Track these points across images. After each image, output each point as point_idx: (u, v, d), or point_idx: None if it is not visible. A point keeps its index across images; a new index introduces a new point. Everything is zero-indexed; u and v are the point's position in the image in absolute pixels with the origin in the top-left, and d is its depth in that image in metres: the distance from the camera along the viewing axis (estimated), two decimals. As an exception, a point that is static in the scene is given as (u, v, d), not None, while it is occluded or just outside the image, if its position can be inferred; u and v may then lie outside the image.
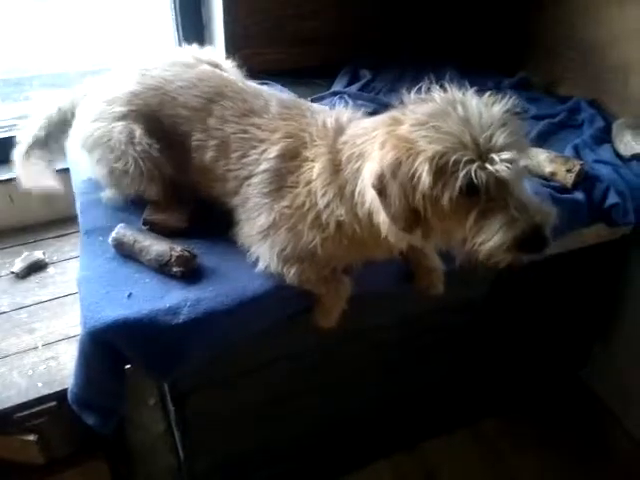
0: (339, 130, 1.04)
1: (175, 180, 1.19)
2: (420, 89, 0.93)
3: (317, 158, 1.04)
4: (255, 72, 1.41)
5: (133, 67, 1.23)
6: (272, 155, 1.07)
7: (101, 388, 1.08)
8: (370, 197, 0.94)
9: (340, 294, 1.10)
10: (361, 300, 1.14)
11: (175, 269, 1.07)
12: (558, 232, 0.92)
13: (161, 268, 1.08)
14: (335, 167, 1.00)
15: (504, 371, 1.83)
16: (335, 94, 1.72)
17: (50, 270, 1.67)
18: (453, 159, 0.82)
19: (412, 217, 0.89)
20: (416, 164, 0.84)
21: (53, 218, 1.83)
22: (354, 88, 1.77)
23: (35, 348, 1.43)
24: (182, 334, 1.02)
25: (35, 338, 1.45)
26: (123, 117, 1.15)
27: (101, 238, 1.16)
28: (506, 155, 0.82)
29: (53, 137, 1.33)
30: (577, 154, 1.52)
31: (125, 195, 1.22)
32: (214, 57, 1.33)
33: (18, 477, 1.39)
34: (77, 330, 1.41)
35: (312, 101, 1.57)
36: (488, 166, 0.82)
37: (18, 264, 1.64)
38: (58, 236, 1.80)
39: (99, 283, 1.07)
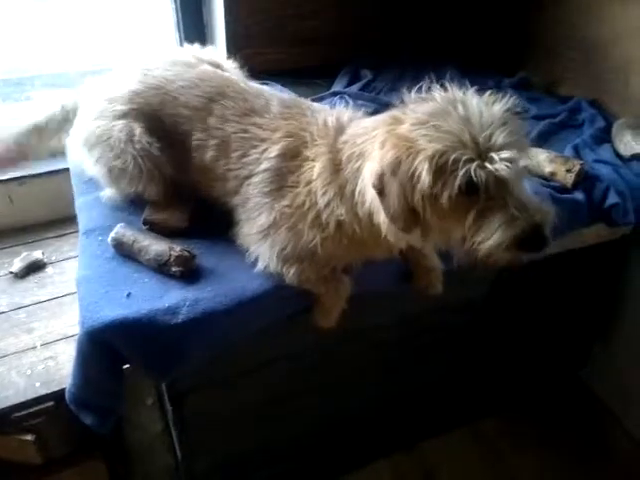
0: (340, 129, 1.04)
1: (175, 180, 1.19)
2: (420, 88, 0.93)
3: (318, 157, 1.03)
4: (256, 72, 1.41)
5: (135, 66, 1.23)
6: (273, 154, 1.07)
7: (99, 388, 1.08)
8: (370, 197, 0.94)
9: (340, 294, 1.10)
10: (361, 300, 1.14)
11: (174, 269, 1.07)
12: (558, 232, 0.92)
13: (160, 268, 1.08)
14: (335, 166, 1.00)
15: (504, 371, 1.83)
16: (335, 94, 1.72)
17: (49, 270, 1.67)
18: (453, 158, 0.82)
19: (411, 217, 0.89)
20: (416, 163, 0.84)
21: (52, 218, 1.83)
22: (354, 88, 1.76)
23: (33, 348, 1.42)
24: (181, 334, 1.02)
25: (33, 338, 1.45)
26: (124, 115, 1.15)
27: (100, 238, 1.16)
28: (506, 154, 0.82)
29: (52, 131, 1.33)
30: (577, 154, 1.52)
31: (124, 194, 1.22)
32: (215, 57, 1.33)
33: (16, 477, 1.39)
34: (76, 330, 1.40)
35: (312, 101, 1.57)
36: (488, 165, 0.82)
37: (17, 264, 1.64)
38: (57, 236, 1.79)
39: (98, 283, 1.06)
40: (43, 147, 1.35)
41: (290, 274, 1.06)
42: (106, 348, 1.01)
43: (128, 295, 1.04)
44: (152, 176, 1.15)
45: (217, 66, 1.29)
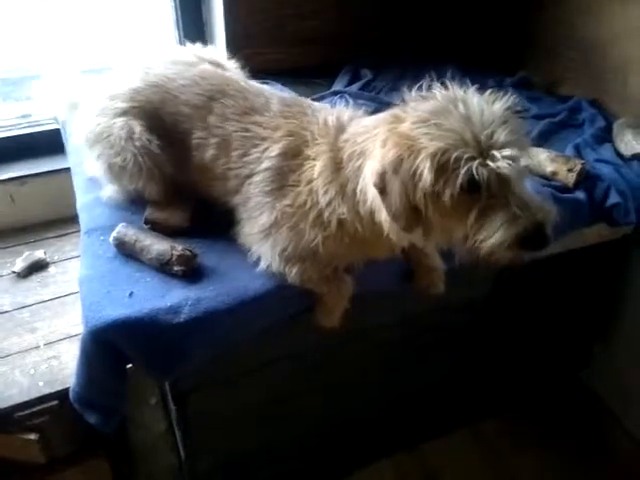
0: (340, 128, 1.04)
1: (175, 179, 1.19)
2: (421, 87, 0.93)
3: (318, 156, 1.04)
4: (255, 72, 1.41)
5: (136, 64, 1.24)
6: (274, 153, 1.07)
7: (103, 387, 1.08)
8: (371, 195, 0.94)
9: (342, 293, 1.10)
10: (363, 299, 1.14)
11: (176, 268, 1.07)
12: (559, 232, 0.92)
13: (162, 267, 1.08)
14: (336, 165, 1.00)
15: (504, 371, 1.83)
16: (336, 93, 1.72)
17: (51, 269, 1.68)
18: (454, 156, 0.82)
19: (413, 215, 0.89)
20: (417, 161, 0.84)
21: (54, 218, 1.83)
22: (355, 87, 1.77)
23: (37, 347, 1.43)
24: (183, 333, 1.02)
25: (37, 337, 1.46)
26: (124, 113, 1.15)
27: (102, 237, 1.16)
28: (507, 152, 0.82)
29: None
30: (578, 153, 1.52)
31: (124, 192, 1.22)
32: (216, 56, 1.33)
33: (19, 476, 1.40)
34: (78, 329, 1.41)
35: (313, 100, 1.57)
36: (489, 163, 0.82)
37: (19, 264, 1.65)
38: (59, 236, 1.80)
39: (100, 282, 1.07)
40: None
41: (292, 274, 1.06)
42: (109, 347, 1.01)
43: (130, 294, 1.04)
44: (152, 174, 1.15)
45: (218, 66, 1.29)
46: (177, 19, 1.85)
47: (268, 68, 1.79)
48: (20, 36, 1.84)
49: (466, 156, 0.82)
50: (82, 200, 1.30)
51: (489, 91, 0.90)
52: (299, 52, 1.91)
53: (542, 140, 1.56)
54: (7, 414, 1.28)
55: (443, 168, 0.83)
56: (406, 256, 1.17)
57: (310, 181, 1.03)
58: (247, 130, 1.11)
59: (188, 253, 1.08)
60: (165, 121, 1.16)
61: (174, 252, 1.07)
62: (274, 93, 1.20)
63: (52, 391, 1.31)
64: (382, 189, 0.89)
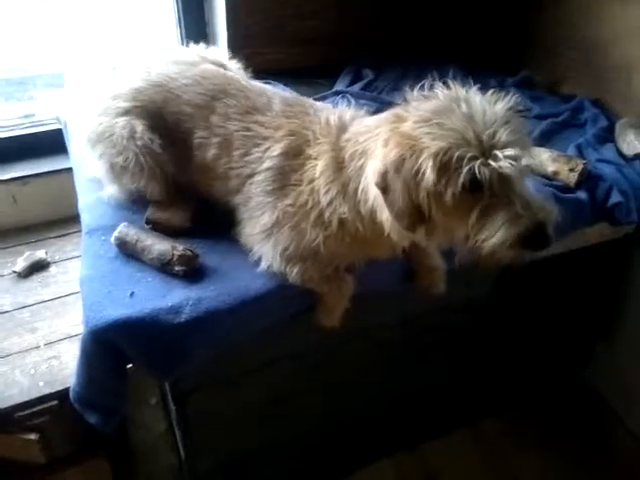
0: (342, 128, 1.04)
1: (177, 179, 1.19)
2: (423, 87, 0.93)
3: (320, 156, 1.03)
4: (256, 72, 1.41)
5: (138, 64, 1.23)
6: (275, 153, 1.07)
7: (103, 387, 1.08)
8: (373, 195, 0.94)
9: (343, 293, 1.10)
10: (364, 299, 1.14)
11: (177, 268, 1.07)
12: (561, 231, 0.92)
13: (163, 267, 1.08)
14: (338, 165, 1.00)
15: (506, 371, 1.82)
16: (337, 93, 1.72)
17: (52, 269, 1.68)
18: (457, 155, 0.82)
19: (415, 215, 0.89)
20: (420, 160, 0.84)
21: (55, 218, 1.83)
22: (356, 87, 1.76)
23: (37, 347, 1.43)
24: (184, 333, 1.02)
25: (37, 337, 1.46)
26: (126, 113, 1.15)
27: (103, 237, 1.16)
28: (509, 152, 0.82)
29: None
30: (580, 153, 1.52)
31: (126, 191, 1.22)
32: (219, 57, 1.33)
33: (19, 476, 1.40)
34: (79, 329, 1.41)
35: (315, 100, 1.57)
36: (491, 163, 0.82)
37: (20, 263, 1.65)
38: (60, 236, 1.80)
39: (101, 282, 1.06)
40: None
41: (293, 273, 1.06)
42: (110, 347, 1.01)
43: (131, 294, 1.04)
44: (153, 173, 1.15)
45: (221, 66, 1.29)
46: (179, 20, 1.85)
47: (268, 68, 1.79)
48: (22, 37, 1.84)
49: (468, 155, 0.82)
50: (84, 200, 1.30)
51: (491, 91, 0.90)
52: (299, 52, 1.91)
53: (544, 140, 1.56)
54: (7, 414, 1.28)
55: (445, 167, 0.83)
56: (407, 256, 1.17)
57: (311, 180, 1.03)
58: (249, 129, 1.11)
59: (189, 253, 1.08)
60: (167, 120, 1.16)
61: (175, 252, 1.07)
62: (276, 93, 1.20)
63: (52, 391, 1.31)
64: (384, 188, 0.89)
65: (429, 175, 0.84)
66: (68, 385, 1.15)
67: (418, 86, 0.94)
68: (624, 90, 1.69)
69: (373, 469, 1.77)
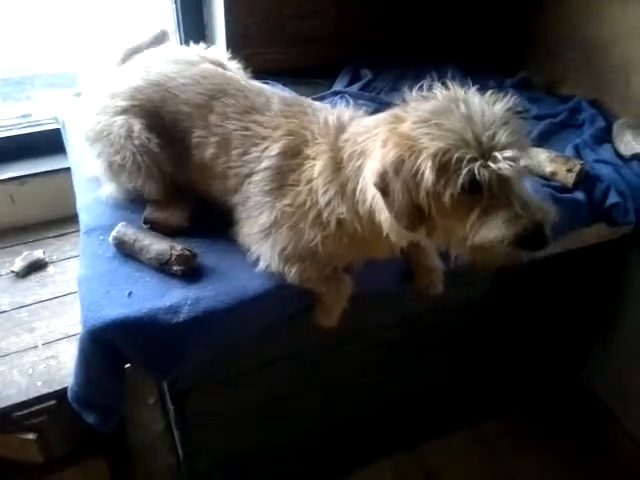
0: (341, 128, 1.04)
1: (175, 178, 1.19)
2: (422, 87, 0.93)
3: (318, 156, 1.03)
4: (255, 72, 1.41)
5: (137, 63, 1.23)
6: (273, 153, 1.07)
7: (101, 387, 1.08)
8: (371, 195, 0.94)
9: (341, 293, 1.10)
10: (362, 299, 1.14)
11: (175, 268, 1.07)
12: (558, 232, 0.93)
13: (161, 267, 1.08)
14: (336, 165, 1.00)
15: (504, 371, 1.83)
16: (336, 93, 1.72)
17: (50, 269, 1.67)
18: (456, 156, 0.82)
19: (415, 215, 0.89)
20: (419, 161, 0.84)
21: (53, 217, 1.83)
22: (355, 87, 1.76)
23: (35, 347, 1.43)
24: (182, 333, 1.01)
25: (35, 337, 1.45)
26: (124, 111, 1.15)
27: (101, 237, 1.16)
28: (509, 153, 0.82)
29: None
30: (578, 154, 1.52)
31: (124, 190, 1.21)
32: (219, 57, 1.33)
33: (17, 476, 1.39)
34: (77, 329, 1.41)
35: (313, 100, 1.57)
36: (491, 164, 0.82)
37: (18, 263, 1.64)
38: (58, 235, 1.80)
39: (99, 282, 1.06)
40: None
41: (291, 273, 1.06)
42: (107, 347, 1.01)
43: (129, 294, 1.04)
44: (151, 173, 1.15)
45: (220, 66, 1.29)
46: (178, 20, 1.85)
47: (268, 68, 1.79)
48: (20, 36, 1.84)
49: (468, 157, 0.82)
50: (82, 200, 1.29)
51: (490, 92, 0.90)
52: (299, 52, 1.91)
53: (542, 140, 1.56)
54: (5, 414, 1.28)
55: (444, 168, 0.83)
56: (405, 256, 1.17)
57: (310, 180, 1.03)
58: (247, 129, 1.11)
59: (187, 253, 1.07)
60: (165, 120, 1.16)
61: (173, 252, 1.07)
62: (275, 92, 1.20)
63: (50, 391, 1.31)
64: (383, 189, 0.89)
65: (428, 175, 0.84)
66: (66, 385, 1.15)
67: (417, 87, 0.94)
68: (622, 91, 1.70)
69: (371, 469, 1.77)
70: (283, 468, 1.59)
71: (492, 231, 0.84)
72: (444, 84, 0.91)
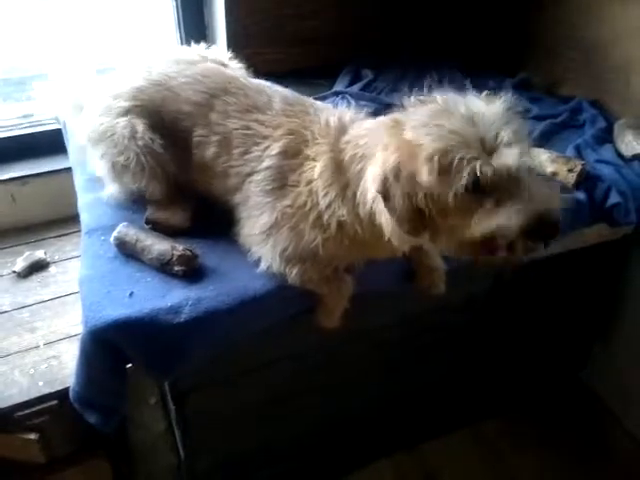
0: (342, 129, 1.04)
1: (178, 178, 1.19)
2: (422, 89, 0.93)
3: (318, 157, 1.03)
4: (255, 72, 1.41)
5: (139, 63, 1.24)
6: (274, 152, 1.07)
7: (102, 387, 1.08)
8: (371, 198, 0.94)
9: (342, 293, 1.10)
10: (363, 299, 1.14)
11: (177, 268, 1.07)
12: (560, 231, 0.91)
13: (163, 267, 1.08)
14: (337, 167, 1.00)
15: (504, 371, 1.83)
16: (337, 94, 1.72)
17: (51, 269, 1.68)
18: (458, 157, 0.82)
19: (417, 219, 0.88)
20: (419, 164, 0.84)
21: (54, 218, 1.83)
22: (356, 88, 1.76)
23: (36, 347, 1.43)
24: (183, 333, 1.02)
25: (36, 337, 1.46)
26: (127, 112, 1.15)
27: (103, 237, 1.16)
28: (511, 151, 0.82)
29: None
30: (579, 154, 1.52)
31: (127, 191, 1.22)
32: (220, 56, 1.33)
33: (19, 476, 1.40)
34: (78, 329, 1.41)
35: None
36: (493, 163, 0.82)
37: (20, 263, 1.65)
38: (59, 235, 1.80)
39: (100, 282, 1.07)
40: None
41: (292, 274, 1.06)
42: (109, 347, 1.01)
43: (130, 294, 1.04)
44: (154, 173, 1.15)
45: (222, 65, 1.28)
46: (179, 21, 1.85)
47: (268, 68, 1.78)
48: (21, 36, 1.84)
49: (469, 157, 0.81)
50: (83, 200, 1.30)
51: (486, 92, 0.90)
52: (299, 52, 1.91)
53: (543, 141, 1.56)
54: (7, 414, 1.28)
55: (446, 170, 0.83)
56: (407, 256, 1.17)
57: (310, 182, 1.03)
58: (248, 128, 1.10)
59: (189, 253, 1.08)
60: (167, 119, 1.16)
61: (175, 252, 1.07)
62: (277, 91, 1.19)
63: (52, 391, 1.31)
64: (385, 194, 0.88)
65: (429, 178, 0.83)
66: (68, 385, 1.15)
67: (416, 89, 0.93)
68: (623, 91, 1.70)
69: (372, 469, 1.77)
70: (283, 468, 1.59)
71: (500, 221, 0.82)
72: (443, 86, 0.91)
